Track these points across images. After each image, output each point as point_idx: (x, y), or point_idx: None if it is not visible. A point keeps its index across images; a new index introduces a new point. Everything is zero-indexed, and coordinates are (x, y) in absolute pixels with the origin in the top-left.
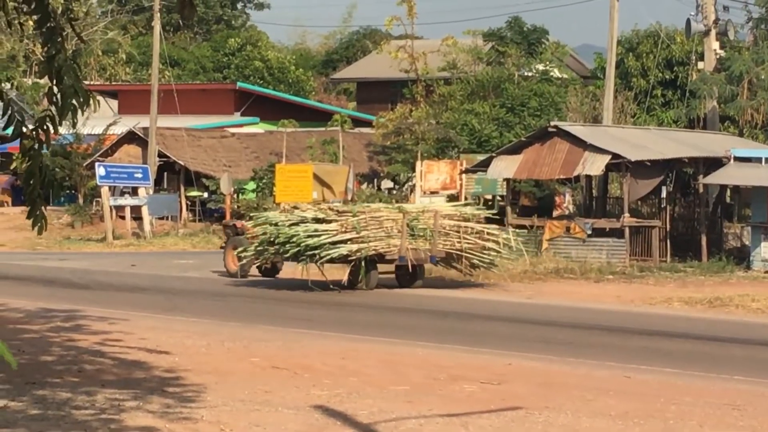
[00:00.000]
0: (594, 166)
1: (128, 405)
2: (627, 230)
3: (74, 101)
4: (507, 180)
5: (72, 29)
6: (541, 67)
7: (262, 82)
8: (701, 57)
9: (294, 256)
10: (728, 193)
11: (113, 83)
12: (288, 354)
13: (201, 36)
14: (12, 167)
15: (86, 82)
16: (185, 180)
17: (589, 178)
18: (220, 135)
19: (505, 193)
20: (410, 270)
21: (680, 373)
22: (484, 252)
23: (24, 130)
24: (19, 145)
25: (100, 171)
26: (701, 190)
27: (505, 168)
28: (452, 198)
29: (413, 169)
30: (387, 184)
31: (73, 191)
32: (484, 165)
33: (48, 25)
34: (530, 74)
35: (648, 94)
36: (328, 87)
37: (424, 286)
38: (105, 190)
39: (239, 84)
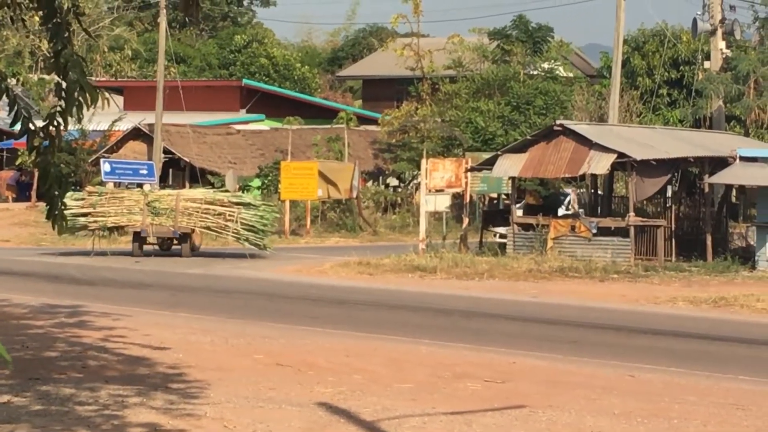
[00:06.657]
0: (599, 165)
1: (131, 401)
2: (632, 229)
3: (79, 97)
4: (512, 178)
5: (79, 24)
6: (546, 65)
7: (267, 79)
8: (707, 56)
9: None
10: (734, 192)
11: (119, 79)
12: (292, 351)
13: (207, 33)
14: (17, 163)
15: (92, 79)
16: (190, 177)
17: (594, 177)
18: (225, 132)
19: (510, 192)
20: (174, 242)
21: (684, 373)
22: (229, 229)
23: (31, 126)
24: (27, 142)
25: (105, 167)
26: (707, 189)
27: (510, 166)
28: (456, 196)
29: (418, 167)
30: (392, 181)
31: (78, 187)
32: (490, 163)
33: (54, 20)
34: (535, 72)
35: (654, 93)
36: (333, 84)
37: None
38: (110, 186)
39: (245, 81)
